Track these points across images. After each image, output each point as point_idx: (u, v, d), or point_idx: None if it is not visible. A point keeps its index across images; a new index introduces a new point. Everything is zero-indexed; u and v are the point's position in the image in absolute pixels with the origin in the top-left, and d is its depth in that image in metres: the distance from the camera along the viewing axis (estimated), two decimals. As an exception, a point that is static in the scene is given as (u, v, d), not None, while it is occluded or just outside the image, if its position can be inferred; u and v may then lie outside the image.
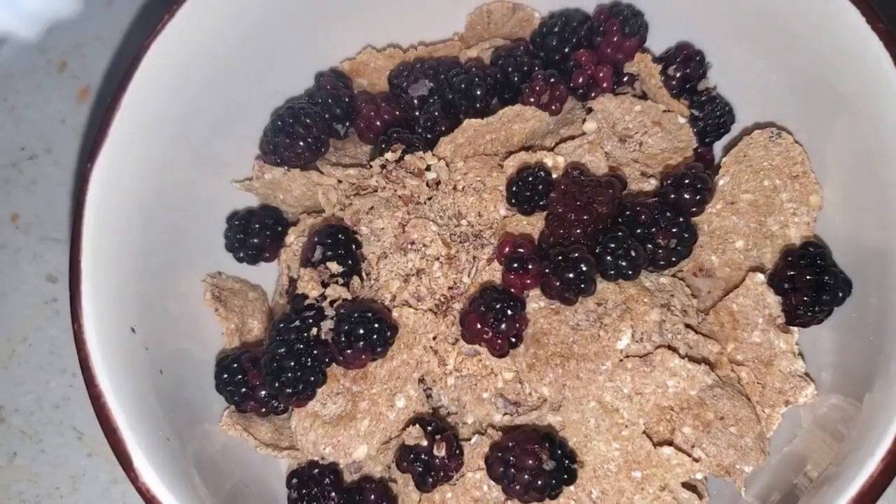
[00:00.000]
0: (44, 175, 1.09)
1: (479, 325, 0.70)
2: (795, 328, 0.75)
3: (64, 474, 0.97)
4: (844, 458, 0.63)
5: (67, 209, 1.07)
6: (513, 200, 0.76)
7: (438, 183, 0.78)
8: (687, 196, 0.73)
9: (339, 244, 0.75)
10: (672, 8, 0.83)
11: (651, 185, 0.78)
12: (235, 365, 0.75)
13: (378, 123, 0.84)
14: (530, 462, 0.66)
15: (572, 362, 0.70)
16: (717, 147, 0.86)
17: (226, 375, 0.75)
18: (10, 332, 1.03)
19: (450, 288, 0.75)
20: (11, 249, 1.07)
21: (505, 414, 0.73)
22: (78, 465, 0.97)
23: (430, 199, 0.78)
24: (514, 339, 0.71)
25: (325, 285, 0.74)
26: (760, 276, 0.74)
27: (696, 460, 0.69)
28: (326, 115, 0.84)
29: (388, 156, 0.77)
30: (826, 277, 0.71)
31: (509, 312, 0.70)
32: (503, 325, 0.70)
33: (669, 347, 0.71)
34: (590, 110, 0.81)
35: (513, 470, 0.67)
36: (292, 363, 0.70)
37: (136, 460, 0.62)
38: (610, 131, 0.80)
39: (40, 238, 1.07)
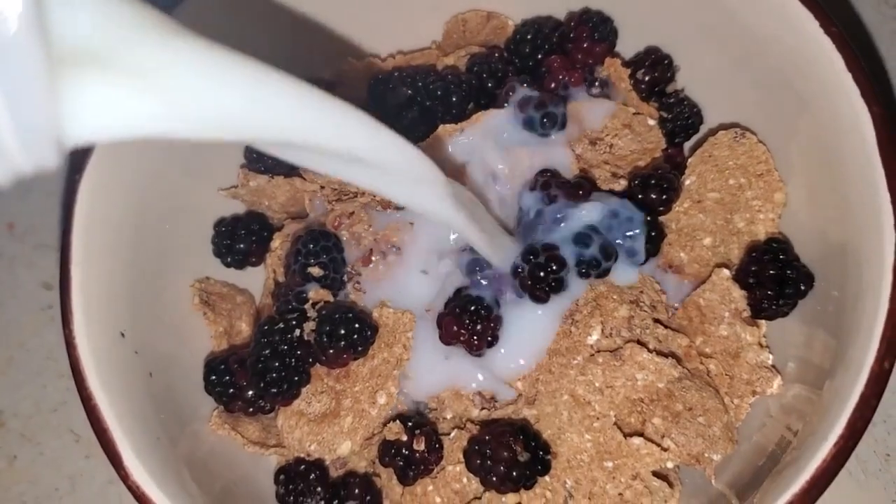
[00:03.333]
0: (38, 184, 1.11)
1: (455, 327, 0.73)
2: (762, 321, 0.78)
3: (62, 475, 0.99)
4: (804, 442, 0.66)
5: (61, 217, 1.10)
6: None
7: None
8: (654, 196, 0.76)
9: (320, 248, 0.77)
10: (640, 14, 0.85)
11: (621, 185, 0.80)
12: (223, 366, 0.77)
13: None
14: (506, 454, 0.69)
15: (545, 357, 0.73)
16: (686, 147, 0.89)
17: (214, 377, 0.77)
18: (7, 338, 1.05)
19: (429, 288, 0.78)
20: (7, 257, 1.09)
21: (482, 409, 0.76)
22: (76, 466, 0.99)
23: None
24: (490, 339, 0.74)
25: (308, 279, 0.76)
26: (726, 272, 0.77)
27: (666, 449, 0.71)
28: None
29: (367, 163, 0.79)
30: (788, 272, 0.74)
31: (483, 313, 0.73)
32: (479, 326, 0.72)
33: (639, 342, 0.74)
34: (562, 114, 0.84)
35: (489, 462, 0.70)
36: (277, 364, 0.73)
37: (127, 459, 0.64)
38: (581, 133, 0.82)
39: (35, 246, 1.09)
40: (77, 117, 0.38)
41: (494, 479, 0.70)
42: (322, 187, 0.84)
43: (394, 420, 0.74)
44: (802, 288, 0.74)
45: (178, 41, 0.41)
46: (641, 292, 0.77)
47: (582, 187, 0.74)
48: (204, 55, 0.42)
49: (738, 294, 0.76)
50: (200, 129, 0.43)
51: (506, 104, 0.81)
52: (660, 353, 0.73)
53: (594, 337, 0.73)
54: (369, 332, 0.74)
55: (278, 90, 0.46)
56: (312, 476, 0.75)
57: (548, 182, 0.75)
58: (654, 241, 0.76)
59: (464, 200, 0.65)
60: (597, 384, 0.72)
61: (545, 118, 0.78)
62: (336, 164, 0.55)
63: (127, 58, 0.39)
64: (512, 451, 0.69)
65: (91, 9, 0.38)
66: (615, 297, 0.74)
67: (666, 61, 0.85)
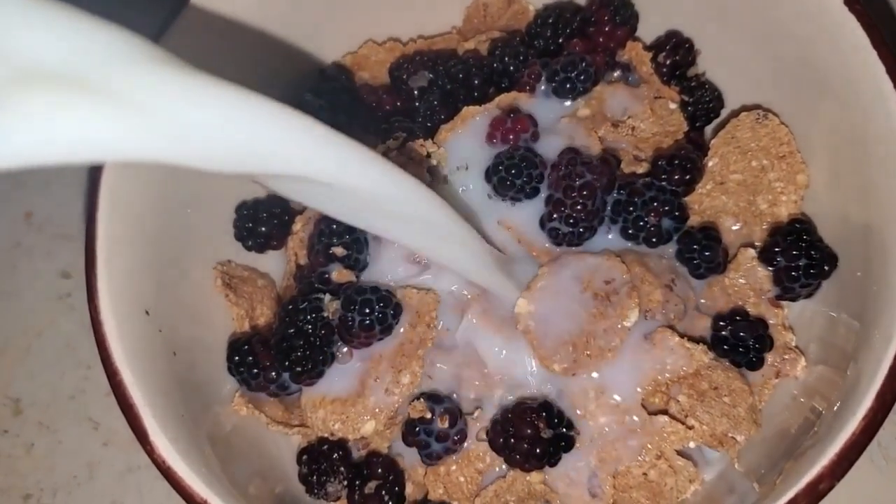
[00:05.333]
0: (56, 174, 1.12)
1: None
2: (786, 302, 0.78)
3: (80, 463, 0.99)
4: (830, 421, 0.66)
5: (79, 207, 1.10)
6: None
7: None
8: (676, 176, 0.76)
9: (343, 229, 0.77)
10: (661, -3, 0.86)
11: (643, 167, 0.81)
12: (246, 347, 0.77)
13: (380, 115, 0.87)
14: (529, 431, 0.69)
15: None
16: (708, 131, 0.89)
17: (237, 357, 0.77)
18: (25, 326, 1.06)
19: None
20: (25, 247, 1.10)
21: (506, 388, 0.75)
22: (94, 454, 0.99)
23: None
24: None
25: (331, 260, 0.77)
26: (752, 252, 0.77)
27: (690, 428, 0.71)
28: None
29: (390, 143, 0.79)
30: (812, 252, 0.74)
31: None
32: None
33: (670, 326, 0.74)
34: (583, 97, 0.84)
35: (513, 440, 0.70)
36: (301, 343, 0.73)
37: (153, 433, 0.64)
38: (603, 117, 0.82)
39: (53, 235, 1.10)
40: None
41: (518, 456, 0.70)
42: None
43: (418, 398, 0.73)
44: (826, 269, 0.74)
45: (176, 71, 0.43)
46: (673, 277, 0.76)
47: (609, 165, 0.75)
48: (190, 85, 0.44)
49: (764, 274, 0.76)
50: (184, 157, 0.44)
51: (528, 88, 0.82)
52: (690, 339, 0.73)
53: (632, 319, 0.72)
54: (393, 313, 0.74)
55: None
56: (335, 456, 0.75)
57: (572, 160, 0.75)
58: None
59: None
60: (625, 366, 0.72)
61: (579, 75, 0.79)
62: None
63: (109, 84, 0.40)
64: (535, 427, 0.69)
65: (65, 33, 0.40)
66: (651, 279, 0.74)
67: (687, 45, 0.85)
